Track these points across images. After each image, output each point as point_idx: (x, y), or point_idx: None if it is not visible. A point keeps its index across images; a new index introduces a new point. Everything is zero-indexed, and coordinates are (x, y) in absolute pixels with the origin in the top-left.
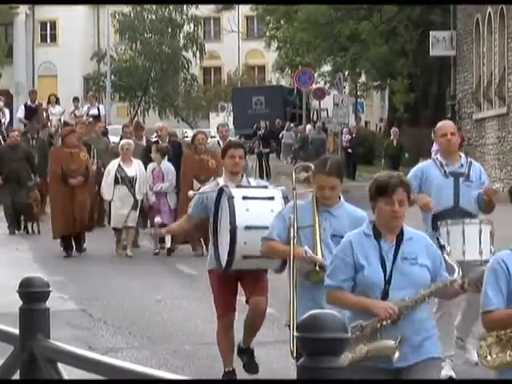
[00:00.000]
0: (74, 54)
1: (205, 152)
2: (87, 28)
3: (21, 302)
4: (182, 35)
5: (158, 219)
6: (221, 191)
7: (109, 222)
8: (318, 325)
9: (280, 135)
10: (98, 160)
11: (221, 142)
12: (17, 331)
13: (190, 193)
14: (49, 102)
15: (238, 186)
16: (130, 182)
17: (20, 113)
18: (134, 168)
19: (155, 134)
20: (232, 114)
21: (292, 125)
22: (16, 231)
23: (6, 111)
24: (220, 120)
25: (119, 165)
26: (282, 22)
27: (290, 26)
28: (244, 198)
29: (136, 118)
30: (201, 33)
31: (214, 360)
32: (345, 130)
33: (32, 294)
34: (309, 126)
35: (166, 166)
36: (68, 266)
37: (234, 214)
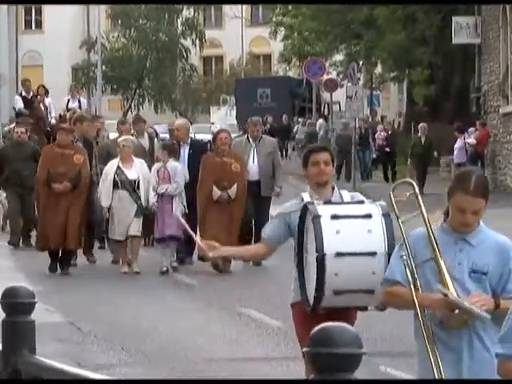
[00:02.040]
0: (62, 41)
1: (228, 154)
2: (76, 13)
3: (3, 315)
4: (180, 21)
5: (159, 233)
6: (305, 209)
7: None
8: (330, 339)
9: (295, 129)
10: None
11: (251, 140)
12: None
13: (273, 213)
14: (38, 94)
15: (327, 202)
16: (131, 186)
17: (18, 103)
18: (136, 169)
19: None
20: (235, 107)
21: (300, 119)
22: (21, 244)
23: (52, 107)
24: (221, 114)
25: (118, 166)
26: (289, 7)
27: (298, 11)
28: (333, 216)
29: (130, 113)
30: (201, 19)
31: (215, 378)
32: (379, 126)
33: (15, 306)
34: (320, 121)
35: (173, 165)
36: (55, 276)
37: (321, 238)
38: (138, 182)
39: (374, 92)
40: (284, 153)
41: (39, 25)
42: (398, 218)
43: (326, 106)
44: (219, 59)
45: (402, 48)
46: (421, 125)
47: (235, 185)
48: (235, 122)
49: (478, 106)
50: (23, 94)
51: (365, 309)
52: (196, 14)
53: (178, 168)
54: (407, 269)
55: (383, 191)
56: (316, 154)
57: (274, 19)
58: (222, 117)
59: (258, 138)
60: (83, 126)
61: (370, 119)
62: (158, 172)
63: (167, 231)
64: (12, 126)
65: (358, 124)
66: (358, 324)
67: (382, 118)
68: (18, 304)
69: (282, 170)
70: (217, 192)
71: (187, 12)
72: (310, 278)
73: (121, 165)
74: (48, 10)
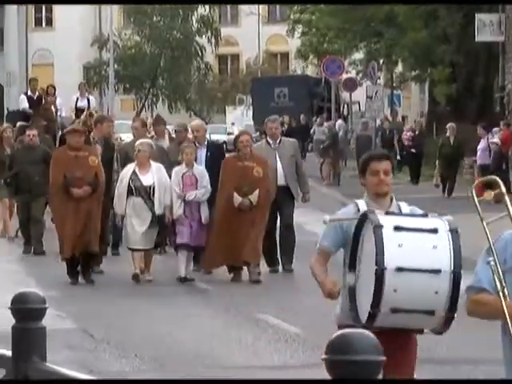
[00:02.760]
0: (73, 39)
1: (249, 157)
2: (88, 10)
3: (13, 321)
4: (194, 18)
5: (184, 240)
6: (364, 217)
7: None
8: (349, 345)
9: (312, 130)
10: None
11: (271, 142)
12: (9, 353)
13: (327, 218)
14: (47, 94)
15: (389, 213)
16: (146, 193)
17: (23, 103)
18: (152, 175)
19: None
20: (251, 107)
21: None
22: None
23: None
24: (237, 114)
25: (133, 171)
26: (307, 4)
27: (317, 8)
28: (397, 228)
29: (145, 112)
30: (216, 16)
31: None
32: (406, 126)
33: (26, 312)
34: (339, 122)
35: (200, 169)
36: (66, 280)
37: (382, 250)
38: (154, 189)
39: (395, 91)
40: (303, 154)
41: (50, 22)
42: (482, 220)
43: (346, 105)
44: (235, 58)
45: (423, 46)
46: (449, 124)
47: (257, 190)
48: (251, 123)
49: (501, 106)
50: (29, 93)
51: (421, 331)
52: (211, 11)
53: (205, 172)
54: (495, 275)
55: (406, 193)
56: (376, 162)
57: (291, 16)
58: (238, 117)
59: (278, 140)
60: (104, 127)
61: (391, 119)
62: (182, 177)
63: (195, 240)
64: (5, 125)
65: (381, 124)
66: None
67: (403, 118)
68: (29, 310)
69: (306, 178)
70: (237, 198)
71: (202, 9)
72: (364, 292)
73: (137, 170)
74: (59, 7)
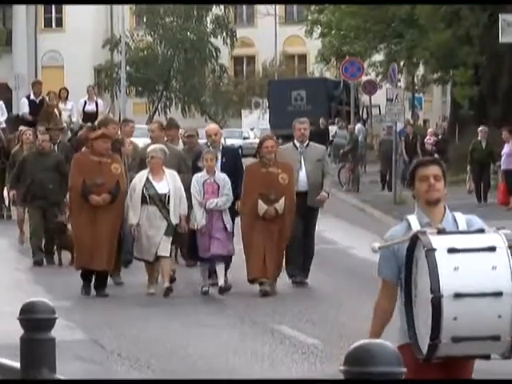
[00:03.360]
0: (84, 41)
1: (274, 164)
2: (99, 11)
3: (22, 331)
4: (209, 19)
5: (206, 252)
6: (415, 239)
7: None
8: (368, 357)
9: (332, 133)
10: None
11: (298, 145)
12: (18, 364)
13: (375, 245)
14: (59, 98)
15: (441, 232)
16: (161, 201)
17: (24, 107)
18: (167, 182)
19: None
20: (268, 111)
21: (338, 122)
22: (44, 261)
23: (75, 111)
24: (253, 118)
25: (147, 178)
26: (326, 4)
27: (336, 8)
28: (451, 250)
29: (158, 115)
30: (231, 16)
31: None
32: (430, 130)
33: (35, 322)
34: (359, 126)
35: (222, 176)
36: (77, 289)
37: (436, 276)
38: (169, 197)
39: (416, 94)
40: None
41: (60, 23)
42: None
43: (365, 109)
44: (251, 59)
45: (445, 48)
46: (481, 128)
47: (283, 198)
48: (267, 126)
49: None
50: (31, 97)
51: (488, 357)
52: (226, 11)
53: (227, 179)
54: None
55: None
56: (423, 167)
57: (309, 17)
58: (254, 121)
59: (305, 144)
60: (109, 130)
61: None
62: (203, 183)
63: (217, 250)
64: (25, 128)
65: (403, 129)
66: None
67: (425, 122)
68: (38, 320)
69: (331, 179)
70: (263, 206)
71: (217, 9)
72: (423, 321)
73: (150, 177)
74: (69, 7)
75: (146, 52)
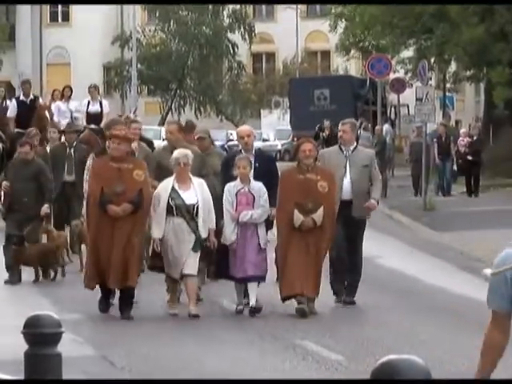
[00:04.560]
0: (92, 36)
1: (313, 169)
2: (108, 5)
3: (26, 346)
4: (226, 13)
5: (240, 270)
6: None
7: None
8: (395, 373)
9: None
10: None
11: (343, 149)
12: (22, 381)
13: (487, 272)
14: (62, 97)
15: None
16: (188, 213)
17: (11, 111)
18: (195, 192)
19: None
20: (289, 111)
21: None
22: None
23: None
24: (273, 119)
25: (173, 187)
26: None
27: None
28: None
29: (172, 116)
30: (250, 10)
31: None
32: (462, 131)
33: (40, 336)
34: (386, 126)
35: (258, 185)
36: (85, 302)
37: None
38: (197, 208)
39: (448, 93)
40: None
41: (66, 17)
42: None
43: (393, 109)
44: (271, 56)
45: (479, 44)
46: None
47: (321, 208)
48: (287, 127)
49: None
50: (21, 97)
51: None
52: (244, 5)
53: (263, 189)
54: None
55: (466, 206)
56: None
57: (333, 10)
58: (274, 122)
59: (352, 147)
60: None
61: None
62: (236, 194)
63: (251, 272)
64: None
65: (434, 129)
66: None
67: (457, 122)
68: (43, 334)
69: (380, 186)
70: (299, 217)
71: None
72: None
73: (176, 186)
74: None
75: (158, 48)
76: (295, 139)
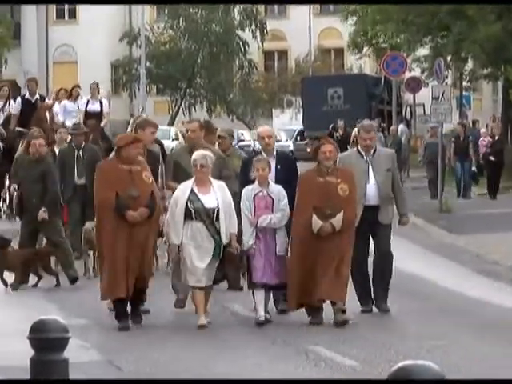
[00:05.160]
0: (99, 34)
1: (333, 172)
2: (114, 5)
3: (32, 352)
4: (236, 10)
5: (261, 278)
6: None
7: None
8: (411, 378)
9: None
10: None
11: (363, 153)
12: None
13: None
14: (70, 96)
15: None
16: (208, 217)
17: (15, 108)
18: (215, 195)
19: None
20: (301, 110)
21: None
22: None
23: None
24: (285, 119)
25: (192, 190)
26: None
27: None
28: None
29: (183, 115)
30: (261, 7)
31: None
32: (483, 130)
33: (46, 342)
34: (401, 127)
35: (277, 188)
36: (92, 307)
37: None
38: (218, 212)
39: (464, 92)
40: None
41: (73, 14)
42: None
43: (408, 108)
44: (283, 54)
45: (496, 41)
46: None
47: (341, 213)
48: (300, 127)
49: None
50: (27, 95)
51: None
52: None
53: (283, 192)
54: None
55: (483, 208)
56: None
57: (346, 7)
58: (287, 122)
59: (372, 151)
60: (146, 134)
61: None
62: (254, 197)
63: (270, 280)
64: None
65: (451, 129)
66: None
67: (474, 122)
68: (49, 340)
69: (405, 196)
70: (317, 222)
71: None
72: None
73: (195, 189)
74: None
75: (167, 46)
76: (307, 140)
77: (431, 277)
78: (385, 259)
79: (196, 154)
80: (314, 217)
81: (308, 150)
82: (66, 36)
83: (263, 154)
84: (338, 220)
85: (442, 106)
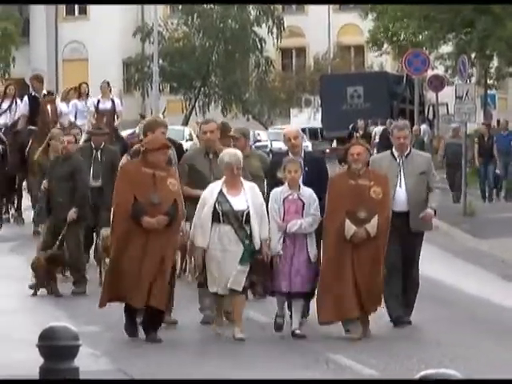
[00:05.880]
0: (111, 30)
1: (365, 174)
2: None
3: (41, 360)
4: (253, 5)
5: (285, 287)
6: None
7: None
8: None
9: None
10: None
11: (396, 155)
12: None
13: None
14: (79, 95)
15: None
16: (237, 220)
17: (23, 107)
18: (245, 197)
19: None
20: (320, 110)
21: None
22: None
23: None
24: (304, 118)
25: (220, 191)
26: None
27: None
28: None
29: (195, 115)
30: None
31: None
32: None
33: (56, 349)
34: (424, 127)
35: (308, 192)
36: (103, 314)
37: None
38: (248, 215)
39: (489, 91)
40: None
41: (83, 10)
42: None
43: (431, 108)
44: (301, 51)
45: None
46: None
47: (375, 217)
48: (318, 126)
49: None
50: (33, 93)
51: None
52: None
53: (314, 196)
54: None
55: (503, 212)
56: None
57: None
58: (305, 121)
59: (406, 153)
60: (157, 136)
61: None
62: (284, 201)
63: (298, 288)
64: (56, 131)
65: (475, 130)
66: None
67: (499, 122)
68: (59, 348)
69: (439, 193)
70: (350, 227)
71: None
72: None
73: (225, 190)
74: None
75: (181, 43)
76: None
77: (453, 282)
78: (412, 269)
79: (229, 156)
80: (347, 222)
81: (327, 150)
82: (76, 33)
83: (290, 155)
84: (372, 225)
85: (466, 105)
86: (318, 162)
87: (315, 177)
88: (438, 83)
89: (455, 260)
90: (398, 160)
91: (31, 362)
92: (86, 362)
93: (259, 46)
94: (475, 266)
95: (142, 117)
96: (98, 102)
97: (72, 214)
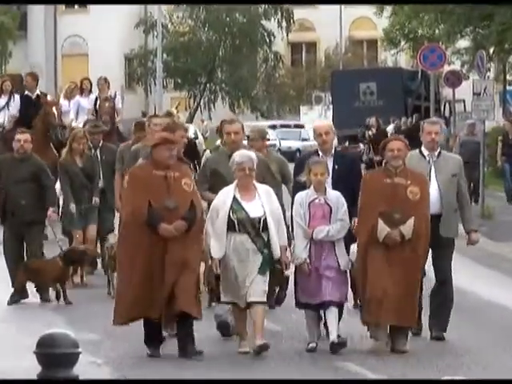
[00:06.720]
0: (112, 23)
1: (402, 173)
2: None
3: (39, 368)
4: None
5: (314, 298)
6: None
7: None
8: None
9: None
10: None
11: (426, 154)
12: None
13: None
14: (82, 92)
15: None
16: (254, 228)
17: (14, 108)
18: (261, 202)
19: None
20: (331, 107)
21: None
22: (23, 299)
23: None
24: (314, 116)
25: (234, 198)
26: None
27: None
28: None
29: (200, 113)
30: None
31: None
32: None
33: (54, 357)
34: None
35: (336, 196)
36: (104, 320)
37: None
38: (265, 222)
39: (508, 87)
40: None
41: (83, 3)
42: None
43: (447, 104)
44: (311, 46)
45: None
46: None
47: (411, 219)
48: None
49: None
50: (26, 92)
51: None
52: None
53: (342, 199)
54: None
55: None
56: None
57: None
58: (315, 119)
59: (437, 152)
60: (176, 137)
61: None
62: (309, 205)
63: (329, 296)
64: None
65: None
66: None
67: None
68: (58, 355)
69: (472, 207)
70: (384, 228)
71: None
72: None
73: (238, 196)
74: None
75: (186, 37)
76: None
77: (471, 287)
78: (444, 282)
79: (240, 156)
80: (380, 222)
81: (339, 149)
82: (76, 26)
83: (319, 153)
84: (407, 227)
85: (484, 102)
86: (349, 160)
87: (346, 175)
88: (454, 79)
89: (472, 264)
90: (427, 158)
91: (28, 370)
92: (86, 369)
93: (268, 41)
94: (493, 271)
95: (144, 115)
96: (96, 99)
97: (53, 214)
